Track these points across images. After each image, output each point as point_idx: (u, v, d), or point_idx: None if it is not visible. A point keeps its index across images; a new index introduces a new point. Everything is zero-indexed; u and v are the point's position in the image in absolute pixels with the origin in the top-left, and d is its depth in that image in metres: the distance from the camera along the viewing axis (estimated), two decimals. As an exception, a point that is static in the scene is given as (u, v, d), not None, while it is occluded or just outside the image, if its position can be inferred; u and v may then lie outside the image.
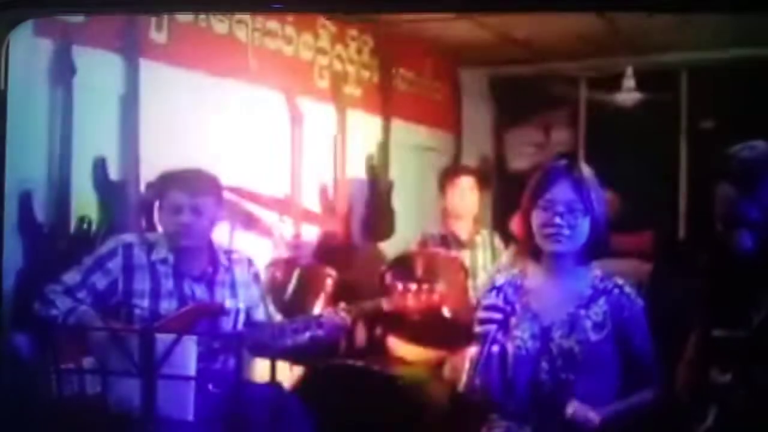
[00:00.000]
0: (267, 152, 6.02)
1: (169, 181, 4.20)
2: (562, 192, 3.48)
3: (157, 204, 4.28)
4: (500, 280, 3.72)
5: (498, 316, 3.39)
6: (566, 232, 3.45)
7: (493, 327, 3.36)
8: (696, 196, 7.48)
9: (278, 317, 4.46)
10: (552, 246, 3.49)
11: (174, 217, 4.13)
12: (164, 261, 4.16)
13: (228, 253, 4.36)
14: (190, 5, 4.22)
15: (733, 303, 3.20)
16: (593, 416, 3.36)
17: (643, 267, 6.11)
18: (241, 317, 4.30)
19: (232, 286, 4.30)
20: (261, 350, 4.38)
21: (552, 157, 4.44)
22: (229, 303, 4.24)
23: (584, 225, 3.47)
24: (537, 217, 3.51)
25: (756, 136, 3.26)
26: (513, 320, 3.47)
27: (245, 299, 4.33)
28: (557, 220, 3.45)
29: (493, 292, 3.64)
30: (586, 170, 3.57)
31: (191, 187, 4.12)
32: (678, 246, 7.35)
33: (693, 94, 7.68)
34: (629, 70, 7.42)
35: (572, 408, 3.37)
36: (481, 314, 3.44)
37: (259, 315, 4.39)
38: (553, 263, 3.56)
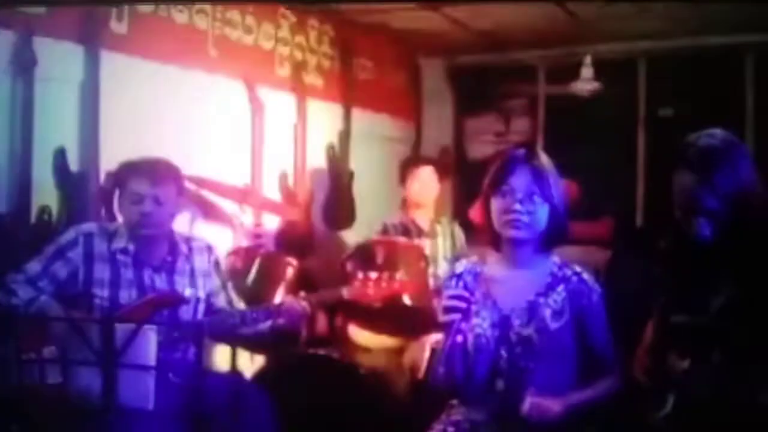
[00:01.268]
0: (228, 141, 6.02)
1: (129, 170, 4.18)
2: (521, 180, 3.47)
3: (117, 193, 4.26)
4: (460, 268, 3.73)
5: (462, 304, 3.38)
6: (525, 218, 3.45)
7: (457, 316, 3.36)
8: (654, 184, 7.53)
9: (239, 306, 4.45)
10: (511, 232, 3.48)
11: (135, 207, 4.11)
12: (124, 250, 4.15)
13: (188, 241, 4.36)
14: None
15: (692, 290, 3.22)
16: (552, 405, 3.37)
17: (601, 254, 6.17)
18: (202, 306, 4.30)
19: (192, 275, 4.30)
20: (221, 339, 4.38)
21: (511, 145, 4.45)
22: (189, 292, 4.24)
23: (543, 212, 3.47)
24: (496, 204, 3.51)
25: (714, 124, 3.28)
26: (473, 308, 3.47)
27: (205, 288, 4.33)
28: (516, 206, 3.44)
29: (453, 280, 3.65)
30: (545, 158, 3.57)
31: (152, 176, 4.11)
32: (636, 233, 7.40)
33: (651, 83, 7.74)
34: (587, 59, 7.44)
35: (528, 404, 3.38)
36: (445, 303, 3.43)
37: (220, 304, 4.38)
38: (512, 251, 3.56)
